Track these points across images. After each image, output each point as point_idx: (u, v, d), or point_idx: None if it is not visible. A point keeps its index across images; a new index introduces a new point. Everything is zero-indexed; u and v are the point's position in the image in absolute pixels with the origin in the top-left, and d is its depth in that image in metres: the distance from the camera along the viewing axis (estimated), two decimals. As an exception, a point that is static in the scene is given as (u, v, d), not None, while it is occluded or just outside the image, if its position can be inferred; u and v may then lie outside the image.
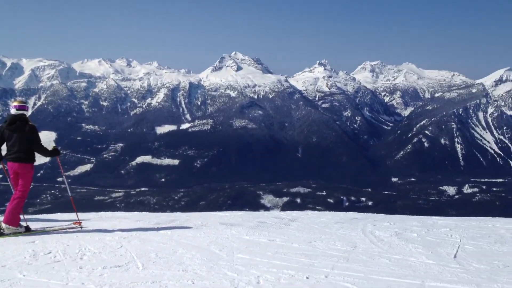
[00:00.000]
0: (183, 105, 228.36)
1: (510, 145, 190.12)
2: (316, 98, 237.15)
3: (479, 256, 6.17)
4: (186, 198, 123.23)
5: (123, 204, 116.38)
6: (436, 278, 5.30)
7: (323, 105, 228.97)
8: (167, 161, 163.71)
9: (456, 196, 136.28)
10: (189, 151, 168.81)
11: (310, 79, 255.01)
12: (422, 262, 5.94)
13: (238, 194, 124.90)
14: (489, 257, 6.14)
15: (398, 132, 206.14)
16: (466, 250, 6.48)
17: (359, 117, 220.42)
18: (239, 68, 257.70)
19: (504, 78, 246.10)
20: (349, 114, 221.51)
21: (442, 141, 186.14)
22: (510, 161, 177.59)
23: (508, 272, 5.46)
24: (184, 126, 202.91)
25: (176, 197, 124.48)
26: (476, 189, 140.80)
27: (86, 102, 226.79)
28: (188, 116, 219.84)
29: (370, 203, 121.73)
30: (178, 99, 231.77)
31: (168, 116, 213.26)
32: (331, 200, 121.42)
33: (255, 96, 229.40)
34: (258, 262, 5.89)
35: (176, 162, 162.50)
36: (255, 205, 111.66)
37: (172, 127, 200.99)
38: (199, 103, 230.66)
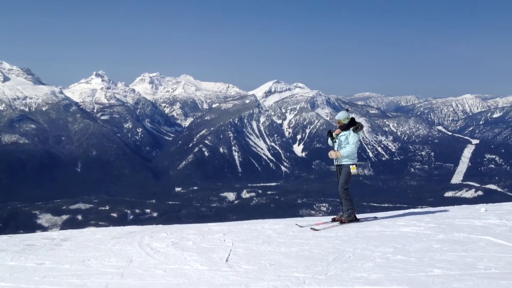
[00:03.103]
0: None
1: (280, 151, 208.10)
2: (95, 110, 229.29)
3: (249, 258, 6.52)
4: None
5: None
6: (209, 283, 5.45)
7: (103, 117, 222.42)
8: None
9: (236, 201, 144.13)
10: None
11: (88, 90, 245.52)
12: (196, 269, 6.06)
13: (10, 216, 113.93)
14: (257, 257, 6.52)
15: (180, 142, 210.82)
16: (237, 253, 6.80)
17: (140, 129, 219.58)
18: (6, 79, 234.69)
19: (272, 90, 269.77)
20: (130, 126, 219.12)
21: (221, 149, 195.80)
22: (281, 166, 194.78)
23: (274, 270, 5.86)
24: None
25: None
26: (253, 194, 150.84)
27: None
28: None
29: (155, 214, 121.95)
30: None
31: None
32: (114, 215, 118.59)
33: (27, 109, 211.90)
34: (23, 290, 5.38)
35: None
36: (31, 226, 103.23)
37: None
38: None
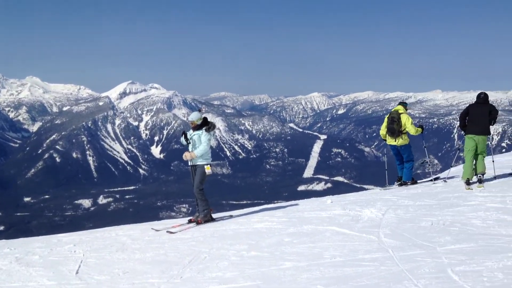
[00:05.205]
0: None
1: (138, 153, 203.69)
2: None
3: (101, 267, 6.26)
4: None
5: None
6: (56, 299, 5.14)
7: None
8: None
9: (92, 208, 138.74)
10: None
11: None
12: (43, 284, 5.68)
13: None
14: (110, 266, 6.29)
15: (28, 149, 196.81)
16: (88, 264, 6.49)
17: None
18: None
19: (127, 91, 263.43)
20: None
21: (74, 154, 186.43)
22: (139, 169, 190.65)
23: (128, 278, 5.71)
24: None
25: None
26: (110, 199, 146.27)
27: None
28: None
29: (1, 227, 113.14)
30: None
31: None
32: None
33: None
34: None
35: None
36: None
37: None
38: None
